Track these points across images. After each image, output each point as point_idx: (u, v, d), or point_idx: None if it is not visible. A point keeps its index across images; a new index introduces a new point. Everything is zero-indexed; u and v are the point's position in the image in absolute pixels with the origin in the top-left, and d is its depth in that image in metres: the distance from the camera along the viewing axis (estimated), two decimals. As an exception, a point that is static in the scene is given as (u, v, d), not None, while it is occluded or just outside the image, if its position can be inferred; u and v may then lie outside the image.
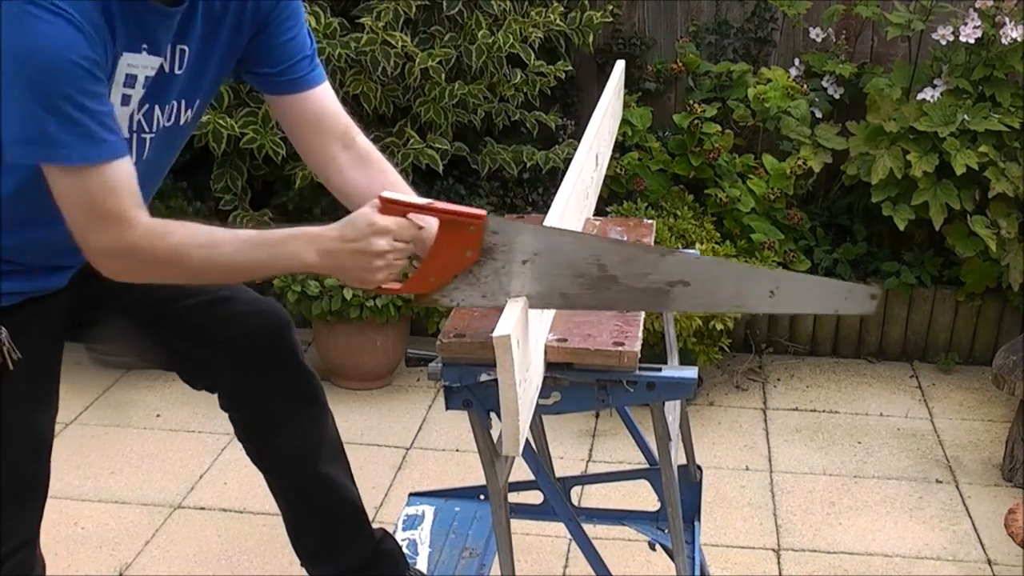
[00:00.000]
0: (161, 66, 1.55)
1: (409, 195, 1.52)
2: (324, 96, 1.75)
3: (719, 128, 3.57)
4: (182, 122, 1.66)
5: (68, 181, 1.41)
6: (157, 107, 1.59)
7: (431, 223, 1.48)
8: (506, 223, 1.47)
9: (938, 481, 3.07)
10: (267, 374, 1.91)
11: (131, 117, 1.55)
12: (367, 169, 1.77)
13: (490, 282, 1.48)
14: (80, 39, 1.36)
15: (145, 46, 1.50)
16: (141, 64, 1.51)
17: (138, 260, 1.48)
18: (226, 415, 1.98)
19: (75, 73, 1.36)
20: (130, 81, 1.51)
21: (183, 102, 1.63)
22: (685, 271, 1.46)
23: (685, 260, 1.47)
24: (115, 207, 1.43)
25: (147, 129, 1.59)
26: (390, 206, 1.47)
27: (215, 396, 1.97)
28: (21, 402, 1.63)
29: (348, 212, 1.78)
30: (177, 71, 1.58)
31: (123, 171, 1.44)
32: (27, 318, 1.62)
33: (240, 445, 2.02)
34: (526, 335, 1.43)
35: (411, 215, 1.47)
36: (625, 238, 2.03)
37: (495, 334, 1.31)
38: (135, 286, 1.58)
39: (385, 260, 1.47)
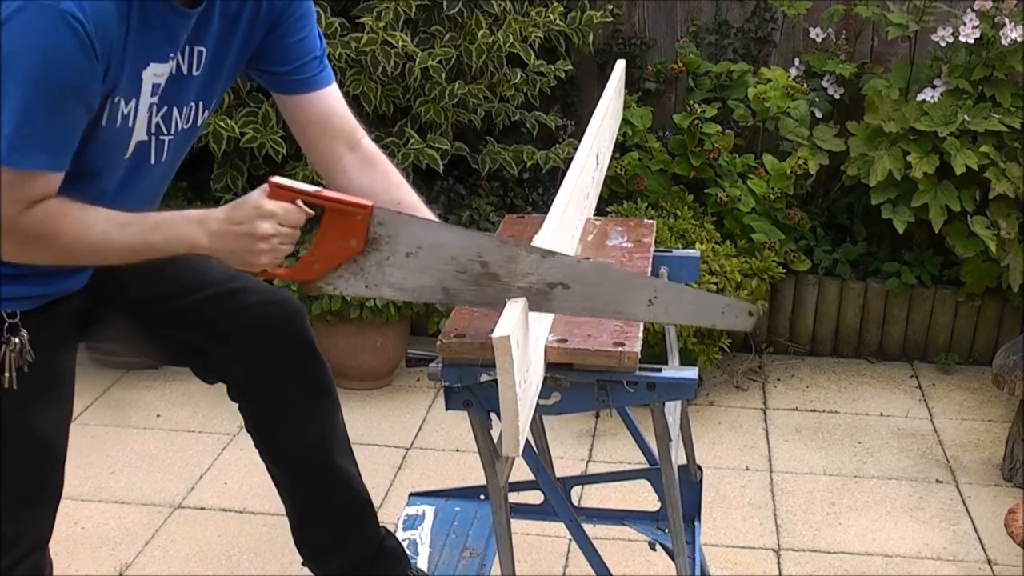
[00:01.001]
0: (178, 67, 1.55)
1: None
2: (332, 97, 1.77)
3: (719, 128, 3.57)
4: (199, 123, 1.67)
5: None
6: (175, 109, 1.59)
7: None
8: (393, 215, 1.49)
9: (938, 481, 3.07)
10: (280, 365, 1.90)
11: (149, 120, 1.56)
12: (372, 170, 1.79)
13: (374, 272, 1.51)
14: (84, 61, 1.38)
15: (172, 54, 1.52)
16: (164, 72, 1.53)
17: (12, 240, 1.47)
18: (232, 413, 1.98)
19: (67, 91, 1.39)
20: (155, 90, 1.53)
21: (201, 103, 1.64)
22: (565, 274, 1.48)
23: (566, 263, 1.49)
24: (14, 209, 1.44)
25: (166, 132, 1.60)
26: (278, 191, 1.48)
27: (218, 392, 1.96)
28: (35, 406, 1.63)
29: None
30: (195, 72, 1.59)
31: (48, 184, 1.44)
32: (45, 322, 1.62)
33: (241, 445, 2.03)
34: (526, 336, 1.43)
35: (299, 201, 1.48)
36: (625, 238, 2.03)
37: (495, 335, 1.31)
38: (143, 283, 1.59)
39: (269, 244, 1.48)
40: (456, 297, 1.52)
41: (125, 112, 1.50)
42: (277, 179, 1.49)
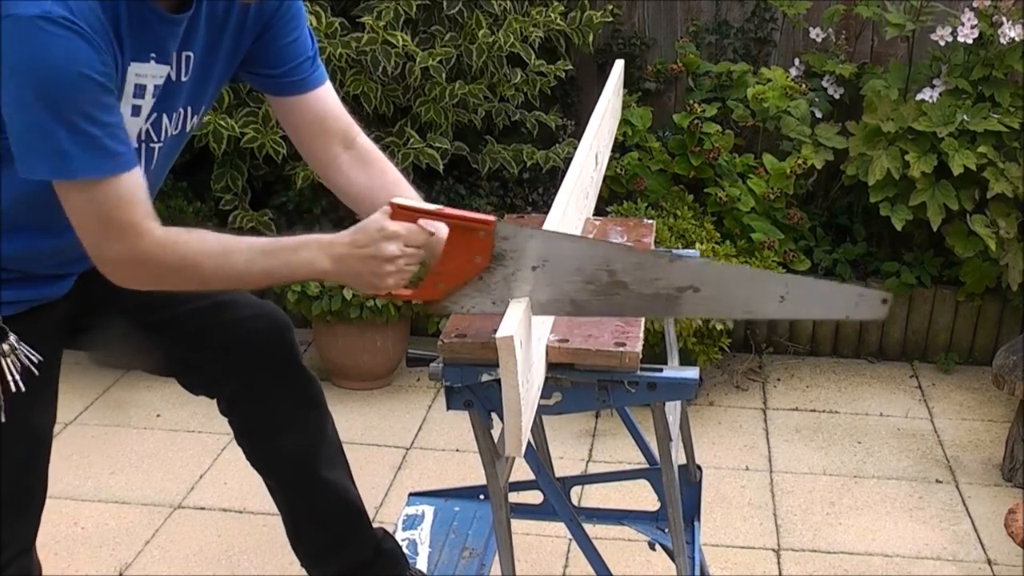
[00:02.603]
0: (168, 74, 1.55)
1: (417, 200, 1.52)
2: (326, 97, 1.75)
3: (719, 128, 3.57)
4: (188, 128, 1.66)
5: (80, 194, 1.42)
6: (165, 116, 1.58)
7: (442, 229, 1.48)
8: (516, 229, 1.46)
9: (938, 481, 3.07)
10: (268, 379, 1.90)
11: (138, 128, 1.55)
12: (368, 169, 1.78)
13: (500, 288, 1.48)
14: (91, 52, 1.36)
15: (153, 55, 1.50)
16: (150, 74, 1.51)
17: (150, 269, 1.48)
18: (225, 419, 1.98)
19: (87, 87, 1.37)
20: (139, 91, 1.51)
21: (189, 108, 1.63)
22: (695, 276, 1.45)
23: (695, 265, 1.46)
24: (127, 218, 1.44)
25: (155, 139, 1.59)
26: (401, 212, 1.46)
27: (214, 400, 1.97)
28: (24, 411, 1.62)
29: (349, 211, 1.78)
30: (183, 78, 1.58)
31: (133, 182, 1.44)
32: (31, 326, 1.61)
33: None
34: (529, 336, 1.43)
35: (421, 220, 1.47)
36: (625, 238, 2.03)
37: (498, 335, 1.31)
38: (131, 292, 1.58)
39: (396, 266, 1.47)
40: (585, 308, 1.49)
41: None
42: (399, 200, 1.47)
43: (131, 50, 1.46)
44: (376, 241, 1.46)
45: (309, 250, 1.50)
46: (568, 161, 1.94)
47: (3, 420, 1.58)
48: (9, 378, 1.57)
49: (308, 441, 1.98)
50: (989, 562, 2.71)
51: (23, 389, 1.58)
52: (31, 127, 1.37)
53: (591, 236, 2.03)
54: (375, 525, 2.14)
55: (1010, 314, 3.67)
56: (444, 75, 3.32)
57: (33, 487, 1.72)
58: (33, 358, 1.59)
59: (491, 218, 1.45)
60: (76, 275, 1.69)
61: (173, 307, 1.83)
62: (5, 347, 1.57)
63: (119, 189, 1.42)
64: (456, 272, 1.48)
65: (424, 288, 1.50)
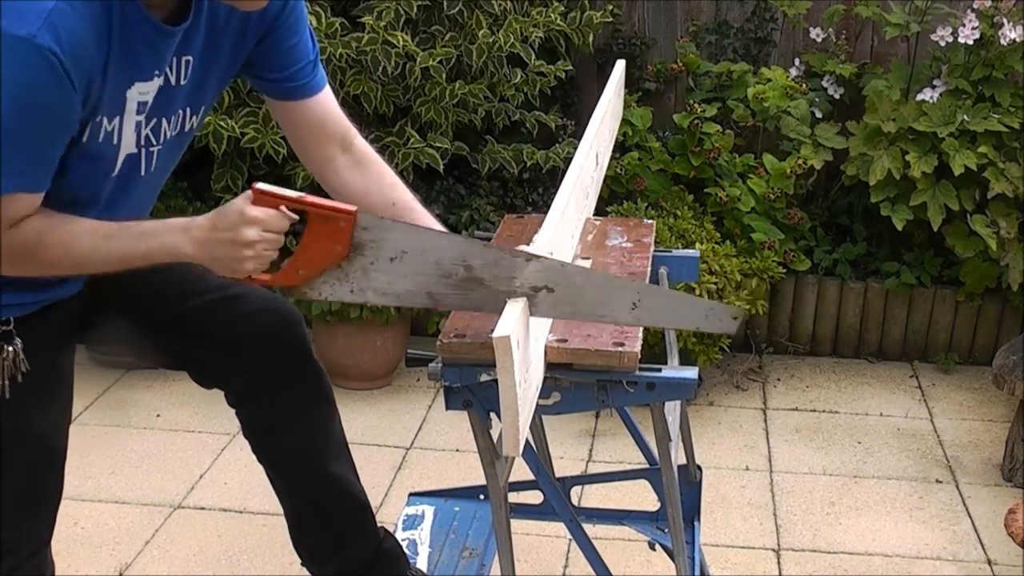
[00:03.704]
0: (167, 80, 1.55)
1: (284, 190, 1.52)
2: (326, 101, 1.76)
3: (719, 128, 3.57)
4: (187, 129, 1.66)
5: None
6: (164, 119, 1.59)
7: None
8: (376, 220, 1.49)
9: (938, 481, 3.07)
10: (277, 373, 1.90)
11: (138, 134, 1.56)
12: (365, 171, 1.79)
13: (359, 277, 1.50)
14: (57, 92, 1.37)
15: (157, 71, 1.52)
16: (151, 90, 1.53)
17: (3, 256, 1.48)
18: (232, 412, 1.98)
19: (40, 120, 1.39)
20: (141, 108, 1.53)
21: (188, 110, 1.63)
22: (550, 277, 1.48)
23: (550, 266, 1.49)
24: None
25: (155, 142, 1.60)
26: (263, 197, 1.47)
27: (218, 392, 1.97)
28: (35, 411, 1.63)
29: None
30: (182, 82, 1.58)
31: (22, 203, 1.45)
32: (41, 327, 1.62)
33: (241, 445, 2.03)
34: (526, 335, 1.43)
35: (283, 207, 1.48)
36: (625, 238, 2.03)
37: (495, 334, 1.31)
38: (141, 287, 1.58)
39: (254, 250, 1.47)
40: (441, 301, 1.52)
41: (109, 129, 1.50)
42: (261, 185, 1.48)
43: (131, 70, 1.47)
44: (236, 225, 1.46)
45: (171, 234, 1.50)
46: (568, 161, 1.94)
47: (11, 419, 1.59)
48: (4, 382, 1.58)
49: (315, 436, 1.98)
50: (989, 562, 2.71)
51: (24, 392, 1.58)
52: None
53: (591, 237, 2.03)
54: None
55: (1010, 314, 3.67)
56: (444, 75, 3.32)
57: (47, 486, 1.72)
58: (23, 367, 1.59)
59: (351, 208, 1.47)
60: (85, 276, 1.69)
61: (181, 302, 1.83)
62: (10, 350, 1.57)
63: (14, 206, 1.43)
64: (315, 259, 1.50)
65: (283, 274, 1.52)
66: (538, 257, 1.49)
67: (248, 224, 1.46)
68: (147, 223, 1.53)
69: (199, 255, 1.50)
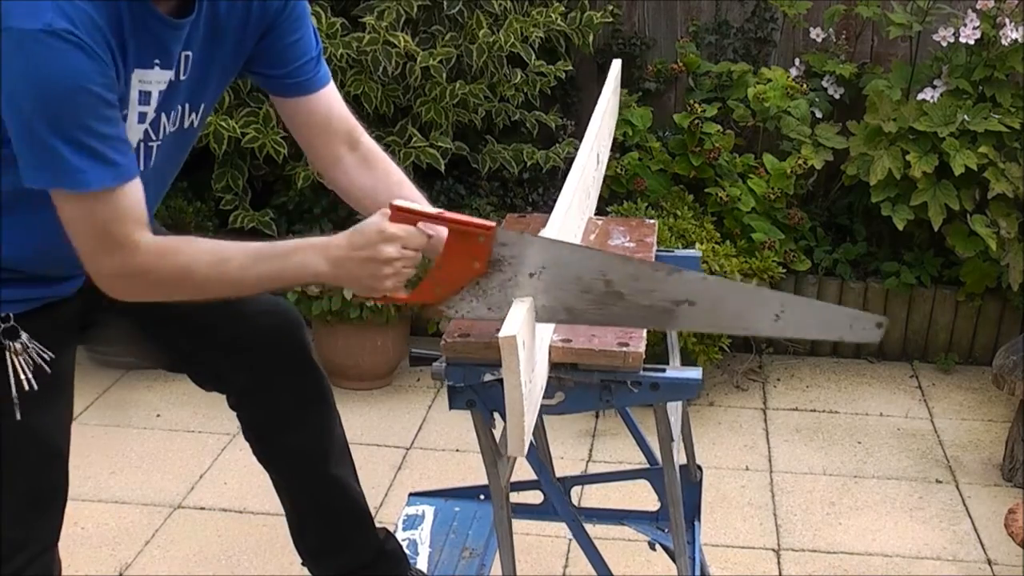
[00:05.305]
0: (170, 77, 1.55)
1: (420, 203, 1.51)
2: (330, 98, 1.75)
3: (719, 128, 3.57)
4: (186, 125, 1.65)
5: (75, 205, 1.41)
6: (163, 114, 1.58)
7: (441, 232, 1.47)
8: (515, 235, 1.46)
9: (938, 481, 3.07)
10: (278, 375, 1.90)
11: (141, 128, 1.55)
12: (372, 169, 1.77)
13: (496, 294, 1.48)
14: (92, 65, 1.36)
15: (157, 61, 1.50)
16: (154, 79, 1.51)
17: (146, 281, 1.49)
18: (232, 413, 1.98)
19: (88, 101, 1.37)
20: (144, 98, 1.51)
21: (187, 106, 1.63)
22: (691, 290, 1.45)
23: (691, 279, 1.46)
24: (123, 232, 1.44)
25: (154, 137, 1.59)
26: (400, 214, 1.46)
27: (220, 395, 1.96)
28: (36, 410, 1.62)
29: (350, 211, 1.78)
30: (182, 77, 1.58)
31: (132, 194, 1.44)
32: (42, 324, 1.61)
33: (241, 445, 2.02)
34: (532, 336, 1.43)
35: (421, 224, 1.47)
36: (627, 238, 2.03)
37: (501, 334, 1.31)
38: None
39: (393, 268, 1.46)
40: (580, 316, 1.49)
41: None
42: (399, 202, 1.47)
43: (135, 57, 1.46)
44: (374, 243, 1.45)
45: (306, 253, 1.49)
46: (568, 161, 1.95)
47: (18, 418, 1.58)
48: (22, 376, 1.57)
49: (316, 437, 1.97)
50: (989, 562, 2.71)
51: (35, 388, 1.58)
52: (32, 139, 1.37)
53: (593, 236, 2.03)
54: (377, 526, 2.14)
55: (1010, 314, 3.68)
56: (444, 75, 3.32)
57: (52, 486, 1.72)
58: (45, 356, 1.59)
59: (491, 224, 1.45)
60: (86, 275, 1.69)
61: (183, 303, 1.83)
62: (18, 345, 1.57)
63: (117, 201, 1.42)
64: (454, 277, 1.47)
65: (421, 291, 1.49)
66: (679, 271, 1.46)
67: (387, 241, 1.45)
68: (284, 243, 1.51)
69: (335, 274, 1.49)
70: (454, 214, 1.46)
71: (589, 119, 2.02)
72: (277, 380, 1.91)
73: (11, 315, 1.58)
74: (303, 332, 1.94)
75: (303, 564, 2.13)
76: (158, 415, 3.35)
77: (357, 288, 1.51)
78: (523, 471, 1.82)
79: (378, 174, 1.77)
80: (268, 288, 1.56)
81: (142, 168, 1.60)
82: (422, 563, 2.17)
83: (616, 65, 2.35)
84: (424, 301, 1.50)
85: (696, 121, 3.52)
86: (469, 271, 1.46)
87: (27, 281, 1.59)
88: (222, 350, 1.88)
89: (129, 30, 1.43)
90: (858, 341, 1.48)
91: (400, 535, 2.21)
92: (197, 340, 1.87)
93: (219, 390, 1.95)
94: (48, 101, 1.34)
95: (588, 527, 1.89)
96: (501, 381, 1.33)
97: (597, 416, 3.35)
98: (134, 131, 1.53)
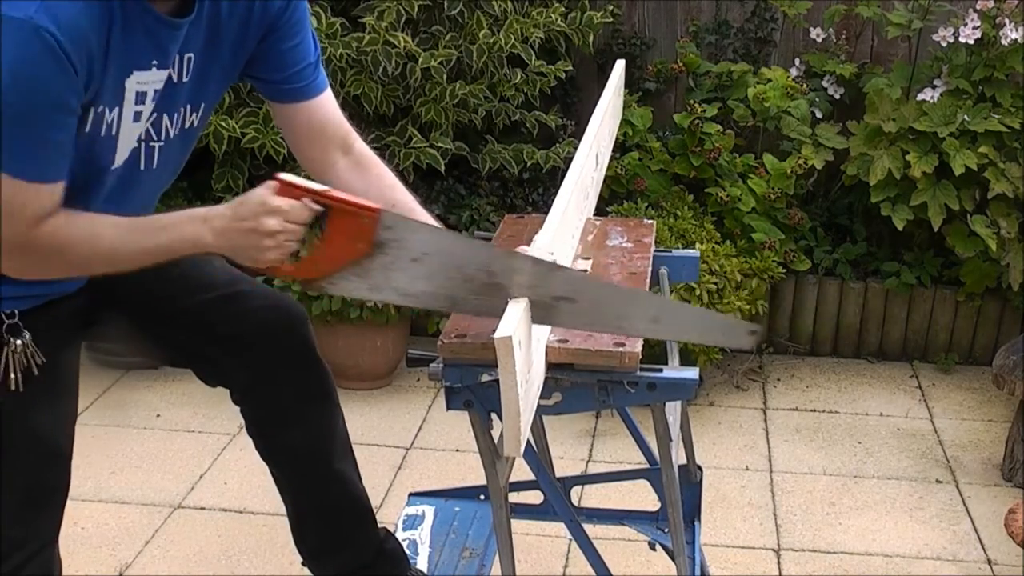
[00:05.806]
0: (169, 76, 1.55)
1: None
2: (327, 104, 1.76)
3: (719, 128, 3.57)
4: (187, 126, 1.65)
5: None
6: (165, 116, 1.59)
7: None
8: (401, 220, 1.49)
9: (938, 481, 3.07)
10: (282, 370, 1.90)
11: (138, 125, 1.55)
12: (365, 174, 1.78)
13: (378, 276, 1.50)
14: (59, 73, 1.36)
15: (155, 62, 1.51)
16: (151, 80, 1.52)
17: (32, 258, 1.48)
18: (232, 413, 1.98)
19: (44, 103, 1.38)
20: (140, 98, 1.52)
21: (188, 107, 1.63)
22: (572, 288, 1.48)
23: (572, 277, 1.49)
24: (25, 218, 1.43)
25: (155, 138, 1.60)
26: (286, 188, 1.47)
27: (218, 392, 1.96)
28: (39, 407, 1.62)
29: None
30: (184, 79, 1.58)
31: (47, 198, 1.44)
32: (45, 322, 1.62)
33: (241, 445, 2.03)
34: (528, 336, 1.43)
35: (305, 199, 1.48)
36: (625, 238, 2.03)
37: (497, 335, 1.31)
38: (146, 283, 1.58)
39: (275, 240, 1.47)
40: (460, 305, 1.52)
41: (109, 121, 1.50)
42: (285, 176, 1.48)
43: (131, 58, 1.47)
44: (257, 215, 1.46)
45: (189, 224, 1.50)
46: (568, 161, 1.94)
47: (15, 416, 1.59)
48: (11, 376, 1.57)
49: (320, 432, 1.97)
50: (989, 562, 2.71)
51: (22, 389, 1.58)
52: None
53: (591, 237, 2.03)
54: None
55: (1010, 314, 3.68)
56: (445, 75, 3.32)
57: (52, 484, 1.72)
58: (38, 359, 1.59)
59: (376, 206, 1.47)
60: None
61: (186, 299, 1.83)
62: (18, 343, 1.57)
63: (32, 197, 1.42)
64: (337, 254, 1.49)
65: (303, 266, 1.51)
66: (561, 267, 1.49)
67: (269, 214, 1.46)
68: (168, 215, 1.52)
69: (220, 244, 1.50)
70: (340, 193, 1.48)
71: (589, 119, 2.02)
72: (279, 375, 1.91)
73: (15, 312, 1.59)
74: (306, 327, 1.94)
75: (303, 564, 2.13)
76: (158, 415, 3.35)
77: (240, 258, 1.52)
78: (523, 471, 1.83)
79: (371, 178, 1.78)
80: (153, 260, 1.54)
81: (143, 168, 1.61)
82: (422, 563, 2.17)
83: (620, 66, 2.35)
84: (307, 276, 1.52)
85: (696, 121, 3.52)
86: (352, 250, 1.48)
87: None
88: (223, 346, 1.88)
89: (120, 30, 1.43)
90: (731, 346, 1.56)
91: (400, 535, 2.21)
92: (198, 336, 1.87)
93: (223, 385, 1.95)
94: (6, 90, 1.35)
95: (588, 527, 1.89)
96: (498, 381, 1.34)
97: (597, 416, 3.36)
98: (131, 129, 1.53)
